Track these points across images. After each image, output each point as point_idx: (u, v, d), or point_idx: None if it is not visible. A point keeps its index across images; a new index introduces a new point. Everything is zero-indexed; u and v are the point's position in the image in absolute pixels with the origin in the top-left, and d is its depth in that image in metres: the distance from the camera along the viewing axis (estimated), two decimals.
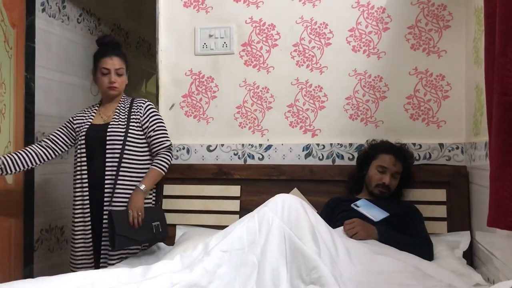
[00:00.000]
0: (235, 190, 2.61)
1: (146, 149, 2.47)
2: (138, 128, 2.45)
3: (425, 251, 2.06)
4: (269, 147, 2.70)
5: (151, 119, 2.47)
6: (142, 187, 2.37)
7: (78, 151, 2.44)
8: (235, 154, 2.74)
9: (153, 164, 2.44)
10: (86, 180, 2.39)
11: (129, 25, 4.08)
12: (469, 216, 2.34)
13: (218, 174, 2.64)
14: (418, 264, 1.64)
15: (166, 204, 2.68)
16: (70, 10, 3.25)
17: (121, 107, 2.48)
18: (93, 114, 2.52)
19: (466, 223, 2.33)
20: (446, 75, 2.54)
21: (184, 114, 2.81)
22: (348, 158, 2.61)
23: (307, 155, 2.66)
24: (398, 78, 2.59)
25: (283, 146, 2.68)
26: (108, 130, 2.40)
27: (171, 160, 2.49)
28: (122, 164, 2.37)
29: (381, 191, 2.29)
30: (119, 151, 2.37)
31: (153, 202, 2.56)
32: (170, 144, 2.50)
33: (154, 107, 2.51)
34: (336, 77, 2.65)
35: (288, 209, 1.71)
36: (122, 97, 2.52)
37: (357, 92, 2.63)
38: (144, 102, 2.50)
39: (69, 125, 2.50)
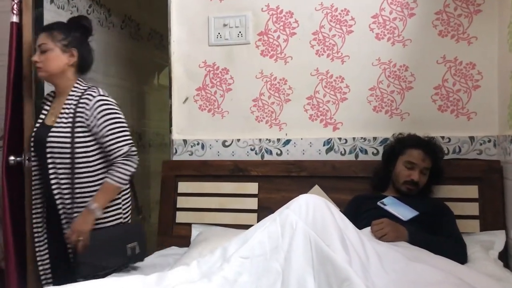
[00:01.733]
0: (252, 187, 2.49)
1: (98, 157, 2.06)
2: (85, 133, 2.02)
3: (459, 253, 1.92)
4: (287, 141, 2.57)
5: (99, 122, 2.00)
6: (93, 206, 1.97)
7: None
8: (252, 150, 2.61)
9: (107, 176, 2.02)
10: (38, 198, 2.15)
11: (141, 16, 3.95)
12: (504, 214, 2.19)
13: (235, 171, 2.51)
14: (458, 271, 1.50)
15: (181, 202, 2.56)
16: (79, 1, 3.13)
17: (70, 102, 2.06)
18: (48, 107, 2.18)
19: (501, 221, 2.18)
20: (477, 63, 2.37)
21: (198, 108, 2.69)
22: (372, 153, 2.46)
23: (328, 150, 2.52)
24: (425, 67, 2.43)
25: (303, 141, 2.55)
26: (49, 135, 2.02)
27: (131, 168, 2.04)
28: (76, 180, 2.01)
29: (409, 188, 2.15)
30: (65, 164, 2.00)
31: (125, 217, 2.15)
32: (129, 150, 2.02)
33: (104, 101, 2.03)
34: (358, 67, 2.50)
35: (313, 211, 1.58)
36: (74, 86, 2.09)
37: (381, 83, 2.48)
38: (92, 97, 2.03)
39: None
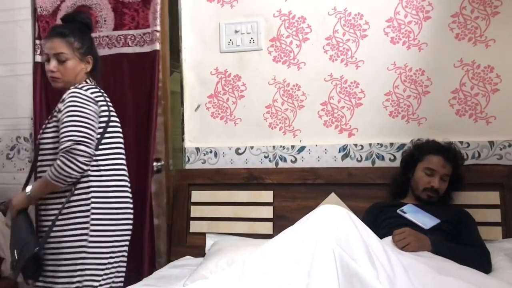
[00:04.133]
0: (267, 195, 2.44)
1: None
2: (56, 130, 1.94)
3: (484, 263, 1.87)
4: (302, 148, 2.52)
5: (63, 115, 1.89)
6: (28, 188, 1.94)
7: None
8: (265, 157, 2.57)
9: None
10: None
11: None
12: None
13: (249, 179, 2.47)
14: (488, 285, 1.44)
15: (195, 211, 2.52)
16: None
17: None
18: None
19: None
20: (495, 66, 2.32)
21: (210, 116, 2.65)
22: (389, 159, 2.42)
23: (344, 157, 2.47)
24: (442, 71, 2.38)
25: (318, 147, 2.50)
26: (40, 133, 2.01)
27: (67, 168, 1.82)
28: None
29: (429, 195, 2.10)
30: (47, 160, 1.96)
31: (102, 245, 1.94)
32: (71, 145, 1.82)
33: (74, 94, 1.91)
34: (373, 72, 2.45)
35: (335, 223, 1.53)
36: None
37: (397, 88, 2.43)
38: (69, 92, 1.94)
39: None
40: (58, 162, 1.82)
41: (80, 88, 1.94)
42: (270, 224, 2.41)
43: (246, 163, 2.58)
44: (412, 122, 2.42)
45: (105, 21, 2.62)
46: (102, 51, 2.59)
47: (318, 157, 2.50)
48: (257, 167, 2.53)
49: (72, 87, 1.98)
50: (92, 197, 1.91)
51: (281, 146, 2.54)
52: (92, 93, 1.96)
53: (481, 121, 2.34)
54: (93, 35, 2.58)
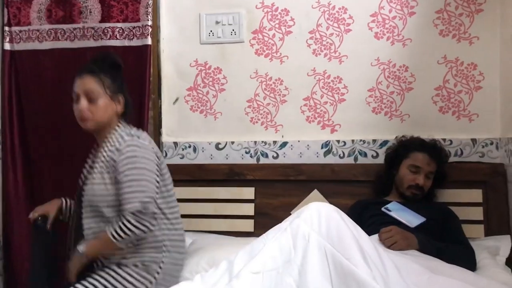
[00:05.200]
0: (248, 192, 2.37)
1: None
2: (111, 183, 1.76)
3: (469, 261, 1.86)
4: (284, 144, 2.46)
5: (121, 169, 1.72)
6: (81, 248, 1.74)
7: None
8: (247, 153, 2.50)
9: (109, 230, 1.71)
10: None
11: None
12: (508, 219, 2.14)
13: (230, 175, 2.39)
14: (483, 285, 1.42)
15: None
16: None
17: (105, 149, 1.81)
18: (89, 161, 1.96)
19: (505, 226, 2.13)
20: (478, 63, 2.32)
21: (189, 109, 2.55)
22: (372, 156, 2.38)
23: (327, 153, 2.42)
24: (426, 67, 2.36)
25: (300, 143, 2.45)
26: (84, 185, 1.82)
27: (135, 229, 1.68)
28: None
29: (413, 193, 2.08)
30: (97, 212, 1.78)
31: None
32: (140, 207, 1.67)
33: (134, 145, 1.76)
34: (357, 67, 2.41)
35: (326, 221, 1.47)
36: (112, 133, 1.83)
37: (380, 83, 2.40)
38: (123, 142, 1.77)
39: None
40: (126, 223, 1.67)
41: (132, 136, 1.79)
42: (251, 221, 2.35)
43: (227, 158, 2.50)
44: (395, 119, 2.40)
45: (90, 12, 2.53)
46: (87, 43, 2.52)
47: (300, 153, 2.44)
48: (238, 163, 2.46)
49: (116, 131, 1.83)
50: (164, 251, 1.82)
51: (262, 141, 2.48)
52: (144, 139, 1.82)
53: (464, 119, 2.34)
54: (76, 26, 2.53)
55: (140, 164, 1.73)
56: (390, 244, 1.77)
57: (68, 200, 2.01)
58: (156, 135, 2.53)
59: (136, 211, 1.67)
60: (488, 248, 2.03)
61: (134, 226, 1.67)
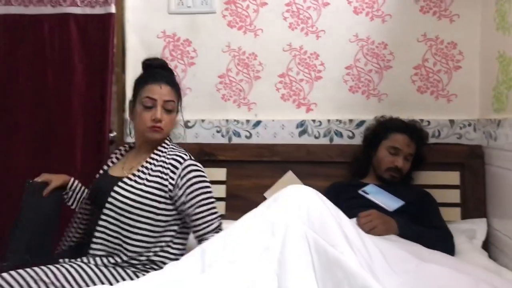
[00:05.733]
0: (220, 173, 2.25)
1: (162, 224, 1.67)
2: (161, 197, 1.65)
3: (449, 245, 1.81)
4: (257, 123, 2.34)
5: (189, 190, 1.65)
6: None
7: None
8: (218, 132, 2.36)
9: None
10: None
11: None
12: (485, 202, 2.10)
13: (200, 155, 2.24)
14: (479, 274, 1.35)
15: None
16: None
17: (154, 159, 1.70)
18: (116, 159, 1.86)
19: (482, 209, 2.09)
20: (458, 42, 2.25)
21: None
22: (348, 136, 2.30)
23: (302, 133, 2.32)
24: (405, 45, 2.28)
25: (274, 123, 2.33)
26: (116, 188, 1.65)
27: None
28: (127, 242, 1.64)
29: (392, 175, 2.01)
30: (121, 222, 1.63)
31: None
32: (219, 225, 1.69)
33: (195, 167, 1.69)
34: (334, 43, 2.31)
35: (305, 205, 1.37)
36: (163, 145, 1.74)
37: (358, 61, 2.30)
38: (183, 160, 1.68)
39: None
40: None
41: (193, 159, 1.73)
42: (223, 204, 2.23)
43: (196, 137, 2.36)
44: (373, 98, 2.31)
45: None
46: (44, 9, 2.32)
47: (275, 133, 2.33)
48: (209, 143, 2.33)
49: (168, 145, 1.75)
50: None
51: (235, 120, 2.35)
52: (194, 159, 1.75)
53: (442, 99, 2.27)
54: None
55: (207, 185, 1.70)
56: (369, 229, 1.69)
57: (76, 182, 1.86)
58: (120, 112, 2.37)
59: (220, 229, 1.68)
60: (466, 232, 1.99)
61: None
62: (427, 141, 2.10)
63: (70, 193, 1.86)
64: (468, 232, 2.00)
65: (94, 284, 1.55)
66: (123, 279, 1.60)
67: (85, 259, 1.62)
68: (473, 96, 2.25)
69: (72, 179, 1.87)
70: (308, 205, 1.38)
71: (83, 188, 1.89)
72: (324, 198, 1.47)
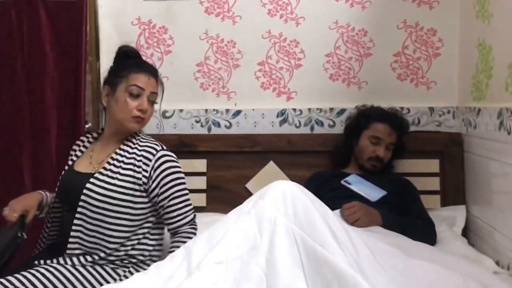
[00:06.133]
0: (200, 164, 2.21)
1: (141, 217, 1.63)
2: (136, 191, 1.61)
3: (431, 235, 1.83)
4: (237, 113, 2.30)
5: (162, 182, 1.62)
6: None
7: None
8: (197, 122, 2.31)
9: (173, 246, 1.61)
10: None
11: None
12: (464, 189, 2.13)
13: (179, 146, 2.20)
14: (469, 270, 1.36)
15: None
16: None
17: (125, 151, 1.65)
18: (80, 152, 1.78)
19: (461, 196, 2.12)
20: (438, 29, 2.24)
21: None
22: (329, 125, 2.28)
23: (282, 122, 2.29)
24: (385, 32, 2.26)
25: (254, 112, 2.30)
26: (88, 184, 1.59)
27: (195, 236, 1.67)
28: (107, 240, 1.60)
29: (374, 165, 2.01)
30: (96, 219, 1.58)
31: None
32: (194, 217, 1.69)
33: (169, 158, 1.65)
34: (314, 30, 2.27)
35: (292, 203, 1.35)
36: (134, 136, 1.70)
37: (338, 48, 2.28)
38: (155, 152, 1.64)
39: None
40: (190, 236, 1.62)
41: (166, 149, 1.68)
42: (203, 195, 2.20)
43: (175, 128, 2.31)
44: (353, 86, 2.30)
45: None
46: None
47: (255, 122, 2.30)
48: (188, 133, 2.28)
49: (138, 136, 1.71)
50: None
51: (214, 109, 2.30)
52: (168, 150, 1.71)
53: (422, 86, 2.28)
54: None
55: (181, 177, 1.67)
56: (353, 221, 1.69)
57: (47, 195, 1.75)
58: (95, 102, 2.29)
59: (194, 221, 1.69)
60: (446, 220, 2.02)
61: (194, 234, 1.65)
62: (408, 130, 2.11)
63: (45, 208, 1.75)
64: (448, 220, 2.03)
65: (73, 285, 1.51)
66: (103, 278, 1.56)
67: (61, 260, 1.57)
68: (452, 84, 2.26)
69: (43, 193, 1.74)
70: (294, 202, 1.36)
71: (53, 198, 1.78)
72: (310, 193, 1.45)
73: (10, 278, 1.45)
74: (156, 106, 1.73)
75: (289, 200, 1.37)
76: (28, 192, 1.81)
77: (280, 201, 1.37)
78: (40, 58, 2.19)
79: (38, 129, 2.22)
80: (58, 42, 2.21)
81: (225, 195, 2.19)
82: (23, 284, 1.44)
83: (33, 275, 1.48)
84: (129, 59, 1.71)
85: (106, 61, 2.29)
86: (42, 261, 1.56)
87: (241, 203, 2.14)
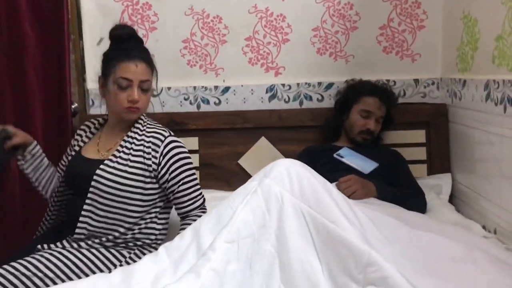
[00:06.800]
0: (192, 142, 2.20)
1: (151, 203, 1.64)
2: (146, 177, 1.60)
3: (421, 204, 1.91)
4: (226, 89, 2.29)
5: (172, 168, 1.62)
6: None
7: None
8: (185, 99, 2.30)
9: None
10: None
11: None
12: (449, 158, 2.21)
13: (170, 125, 2.15)
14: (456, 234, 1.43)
15: None
16: None
17: (132, 138, 1.63)
18: (87, 138, 1.75)
19: (447, 165, 2.20)
20: (422, 1, 2.27)
21: None
22: (317, 99, 2.31)
23: (271, 98, 2.30)
24: (370, 5, 2.27)
25: (243, 88, 2.30)
26: (99, 171, 1.57)
27: None
28: (116, 225, 1.61)
29: (364, 138, 2.05)
30: (107, 205, 1.58)
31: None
32: (204, 201, 1.71)
33: (177, 144, 1.65)
34: (300, 4, 2.27)
35: (298, 181, 1.37)
36: (139, 122, 1.68)
37: (325, 22, 2.28)
38: (163, 138, 1.63)
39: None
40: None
41: (173, 135, 1.68)
42: (197, 173, 2.18)
43: (163, 106, 2.29)
44: (340, 60, 2.32)
45: None
46: None
47: (244, 98, 2.30)
48: (178, 111, 2.26)
49: (144, 122, 1.69)
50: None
51: (202, 86, 2.29)
52: (175, 135, 1.71)
53: (407, 59, 2.32)
54: None
55: (189, 162, 1.68)
56: (350, 194, 1.74)
57: (38, 148, 1.72)
58: (80, 82, 2.24)
59: (204, 205, 1.71)
60: (433, 188, 2.10)
61: None
62: (396, 102, 2.15)
63: (29, 156, 1.70)
64: (435, 188, 2.10)
65: (79, 269, 1.51)
66: (108, 260, 1.56)
67: (66, 243, 1.57)
68: (436, 56, 2.30)
69: (35, 142, 1.72)
70: (300, 180, 1.38)
71: (43, 156, 1.75)
72: (312, 170, 1.47)
73: (14, 264, 1.44)
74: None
75: (295, 178, 1.39)
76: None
77: (285, 179, 1.39)
78: (20, 38, 2.10)
79: (22, 110, 2.15)
80: (39, 21, 2.12)
81: (218, 172, 2.21)
82: (28, 269, 1.44)
83: (38, 260, 1.47)
84: (120, 44, 1.66)
85: (90, 40, 2.24)
86: (45, 245, 1.55)
87: (234, 179, 2.22)
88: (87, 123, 1.81)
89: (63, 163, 1.73)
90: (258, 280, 1.22)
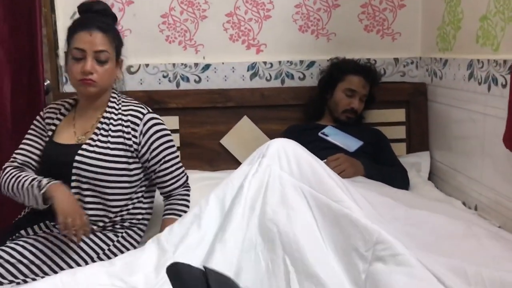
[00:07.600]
0: (172, 121, 2.13)
1: (137, 183, 1.60)
2: (129, 158, 1.54)
3: (406, 182, 1.94)
4: (207, 67, 2.23)
5: (153, 146, 1.56)
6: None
7: None
8: (164, 77, 2.22)
9: (172, 212, 1.59)
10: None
11: None
12: (428, 136, 2.25)
13: (148, 103, 2.02)
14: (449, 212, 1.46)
15: None
16: None
17: (108, 119, 1.56)
18: (58, 120, 1.62)
19: (425, 143, 2.25)
20: None
21: None
22: (299, 78, 2.29)
23: (253, 76, 2.26)
24: None
25: (224, 66, 2.24)
26: (77, 156, 1.50)
27: (189, 198, 1.67)
28: (109, 209, 1.56)
29: (348, 116, 2.06)
30: (95, 191, 1.52)
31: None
32: (187, 178, 1.67)
33: (156, 121, 1.59)
34: None
35: (295, 161, 1.35)
36: (111, 99, 1.60)
37: None
38: (142, 115, 1.57)
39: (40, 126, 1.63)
40: (187, 198, 1.64)
41: (152, 112, 1.62)
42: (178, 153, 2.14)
43: (141, 84, 2.21)
44: (322, 38, 2.30)
45: None
46: None
47: (225, 76, 2.25)
48: (157, 89, 2.19)
49: (118, 99, 1.62)
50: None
51: (182, 64, 2.22)
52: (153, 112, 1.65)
53: (387, 37, 2.32)
54: None
55: (170, 139, 1.63)
56: (339, 173, 1.74)
57: None
58: (53, 58, 2.12)
59: (188, 183, 1.68)
60: (414, 166, 2.13)
61: (189, 195, 1.66)
62: (379, 81, 2.16)
63: None
64: (415, 166, 2.14)
65: (66, 254, 1.45)
66: (96, 244, 1.51)
67: (52, 229, 1.50)
68: (415, 35, 2.32)
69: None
70: (298, 160, 1.36)
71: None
72: (307, 150, 1.45)
73: None
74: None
75: (292, 158, 1.37)
76: None
77: (282, 159, 1.36)
78: None
79: None
80: None
81: (200, 151, 2.17)
82: (13, 257, 1.37)
83: (23, 246, 1.40)
84: (78, 19, 1.58)
85: (62, 14, 2.12)
86: (30, 230, 1.47)
87: (216, 159, 2.19)
88: (52, 105, 1.68)
89: (36, 152, 1.60)
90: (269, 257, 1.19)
